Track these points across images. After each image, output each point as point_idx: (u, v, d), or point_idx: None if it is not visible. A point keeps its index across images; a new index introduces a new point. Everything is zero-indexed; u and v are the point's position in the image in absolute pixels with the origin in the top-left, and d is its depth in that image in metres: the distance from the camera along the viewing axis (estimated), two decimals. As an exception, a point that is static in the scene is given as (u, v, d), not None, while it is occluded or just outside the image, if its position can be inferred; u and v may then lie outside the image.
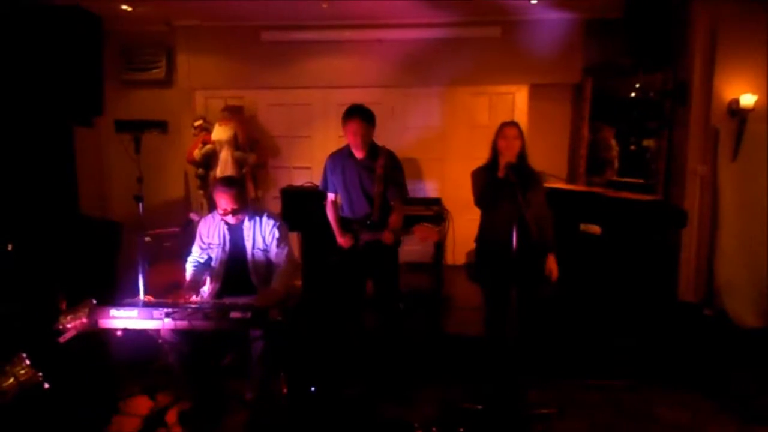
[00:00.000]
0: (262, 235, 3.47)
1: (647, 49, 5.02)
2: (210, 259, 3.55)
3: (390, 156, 3.66)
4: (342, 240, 3.69)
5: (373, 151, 3.66)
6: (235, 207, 3.35)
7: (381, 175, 3.59)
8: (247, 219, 3.48)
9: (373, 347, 3.85)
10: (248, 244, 3.47)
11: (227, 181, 3.45)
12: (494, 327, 3.54)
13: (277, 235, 3.47)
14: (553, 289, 3.59)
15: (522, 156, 3.45)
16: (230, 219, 3.42)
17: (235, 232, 3.49)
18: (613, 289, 4.46)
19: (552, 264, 3.53)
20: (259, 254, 3.48)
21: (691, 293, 4.88)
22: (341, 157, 3.74)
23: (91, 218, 5.70)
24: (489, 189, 3.46)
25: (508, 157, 3.38)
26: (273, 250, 3.46)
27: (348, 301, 3.83)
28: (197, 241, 3.58)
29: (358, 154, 3.65)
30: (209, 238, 3.54)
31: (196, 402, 3.35)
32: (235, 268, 3.49)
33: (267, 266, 3.49)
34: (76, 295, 3.19)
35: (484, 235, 3.64)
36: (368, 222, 3.62)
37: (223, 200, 3.35)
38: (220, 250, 3.51)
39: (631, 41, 5.11)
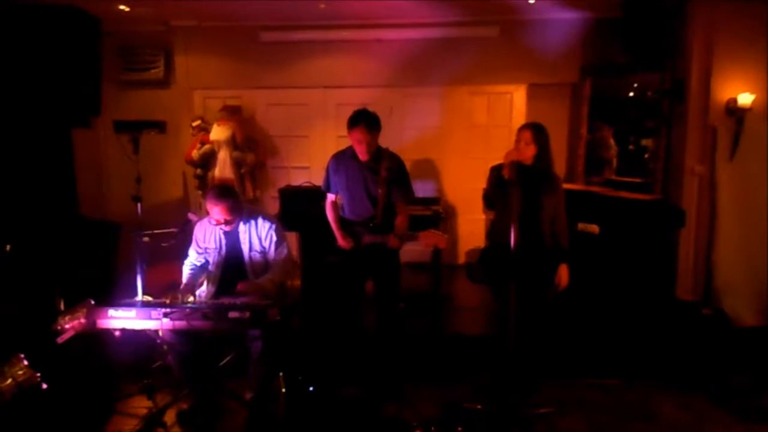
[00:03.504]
0: (258, 237, 3.46)
1: (645, 48, 5.02)
2: (207, 262, 3.54)
3: (394, 159, 3.61)
4: (343, 242, 3.62)
5: (378, 153, 3.58)
6: (228, 218, 3.33)
7: (385, 177, 3.53)
8: (242, 222, 3.45)
9: (372, 347, 3.83)
10: (245, 248, 3.46)
11: (219, 193, 3.35)
12: (500, 326, 3.53)
13: (274, 238, 3.46)
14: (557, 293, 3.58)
15: (538, 159, 3.44)
16: (224, 227, 3.40)
17: (231, 236, 3.48)
18: (612, 288, 4.45)
19: (564, 272, 3.51)
20: (256, 256, 3.47)
21: (690, 292, 4.88)
22: (345, 158, 3.67)
23: (89, 219, 5.70)
24: (492, 187, 3.49)
25: (516, 157, 3.38)
26: (272, 252, 3.45)
27: (347, 301, 3.81)
28: (193, 245, 3.57)
29: (363, 157, 3.58)
30: (205, 242, 3.52)
31: (194, 402, 3.34)
32: (233, 271, 3.47)
33: (265, 268, 3.48)
34: (75, 295, 3.19)
35: (492, 234, 3.64)
36: (371, 224, 3.57)
37: (216, 211, 3.31)
38: (217, 254, 3.50)
39: (629, 40, 5.11)
